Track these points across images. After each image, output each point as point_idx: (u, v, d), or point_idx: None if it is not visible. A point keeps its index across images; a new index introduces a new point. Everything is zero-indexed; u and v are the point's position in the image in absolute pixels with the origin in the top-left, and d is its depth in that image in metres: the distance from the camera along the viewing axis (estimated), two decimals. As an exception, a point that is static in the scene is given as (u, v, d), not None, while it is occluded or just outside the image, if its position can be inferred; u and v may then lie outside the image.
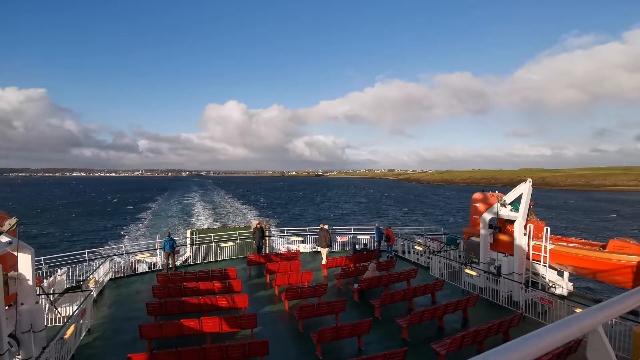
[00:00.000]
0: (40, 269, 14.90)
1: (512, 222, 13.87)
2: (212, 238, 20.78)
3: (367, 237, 22.55)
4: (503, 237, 14.28)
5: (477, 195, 16.02)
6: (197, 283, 13.74)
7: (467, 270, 14.49)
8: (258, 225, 20.16)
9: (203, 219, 59.32)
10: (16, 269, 7.65)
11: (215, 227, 39.31)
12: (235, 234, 21.72)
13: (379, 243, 20.67)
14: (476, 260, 14.92)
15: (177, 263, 18.64)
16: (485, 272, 14.01)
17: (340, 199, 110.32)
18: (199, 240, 20.96)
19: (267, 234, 20.97)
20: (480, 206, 15.47)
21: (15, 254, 7.62)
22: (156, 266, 18.35)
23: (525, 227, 13.25)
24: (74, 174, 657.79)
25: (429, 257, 18.27)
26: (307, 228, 23.45)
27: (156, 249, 19.29)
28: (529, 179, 13.70)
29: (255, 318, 10.48)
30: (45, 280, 13.87)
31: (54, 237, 46.59)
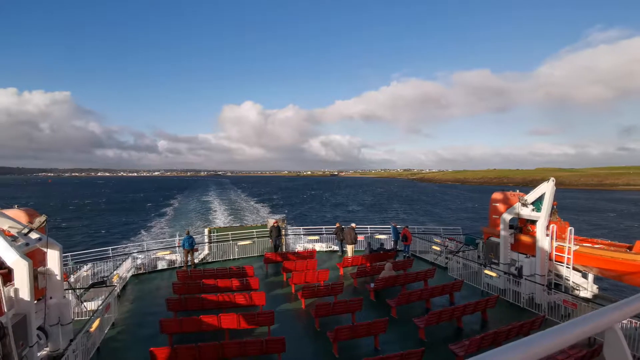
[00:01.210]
0: (67, 264, 15.54)
1: (533, 222, 13.50)
2: (230, 236, 21.13)
3: (384, 236, 22.43)
4: (524, 238, 13.92)
5: (497, 195, 15.66)
6: (216, 280, 14.00)
7: (487, 271, 14.20)
8: (275, 224, 20.35)
9: (221, 218, 60.35)
10: (45, 265, 8.01)
11: (232, 225, 39.92)
12: (253, 232, 22.00)
13: (396, 242, 20.52)
14: (496, 261, 14.60)
15: (196, 260, 19.04)
16: (505, 273, 13.70)
17: (347, 199, 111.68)
18: (216, 238, 21.35)
19: (283, 233, 21.15)
20: (500, 206, 15.12)
21: (45, 250, 7.97)
22: (176, 263, 18.80)
23: (547, 228, 12.88)
24: (99, 174, 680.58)
25: (446, 257, 18.01)
26: (323, 227, 23.52)
27: (176, 247, 19.77)
28: (552, 178, 13.30)
29: (272, 315, 10.59)
30: (72, 276, 14.44)
31: (81, 234, 48.40)
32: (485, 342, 8.84)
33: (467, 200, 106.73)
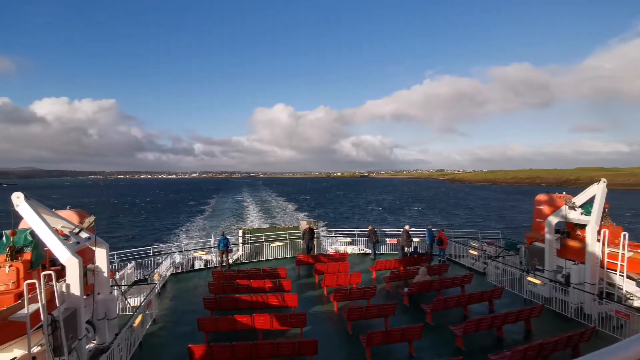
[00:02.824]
0: (113, 262, 16.51)
1: (582, 226, 12.58)
2: (263, 237, 21.51)
3: (417, 239, 21.85)
4: (573, 243, 13.00)
5: (542, 197, 14.77)
6: (249, 281, 14.28)
7: (530, 278, 13.39)
8: (308, 228, 20.48)
9: (254, 219, 61.87)
10: (94, 262, 8.53)
11: (265, 226, 40.66)
12: (285, 234, 22.26)
13: (431, 246, 19.93)
14: (540, 268, 13.74)
15: (230, 261, 19.54)
16: (551, 280, 12.85)
17: (367, 200, 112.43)
18: (250, 240, 21.81)
19: (316, 235, 21.19)
20: (545, 209, 14.24)
21: (93, 248, 8.50)
22: (211, 263, 19.40)
23: (598, 233, 11.93)
24: (141, 176, 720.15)
25: (485, 263, 17.21)
26: (355, 229, 23.32)
27: (211, 247, 20.42)
28: (603, 179, 12.30)
29: (305, 317, 10.61)
30: (117, 273, 15.31)
31: (125, 233, 51.43)
32: (530, 353, 8.30)
33: (493, 200, 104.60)
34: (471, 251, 18.97)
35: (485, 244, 19.75)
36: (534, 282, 13.24)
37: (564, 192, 14.89)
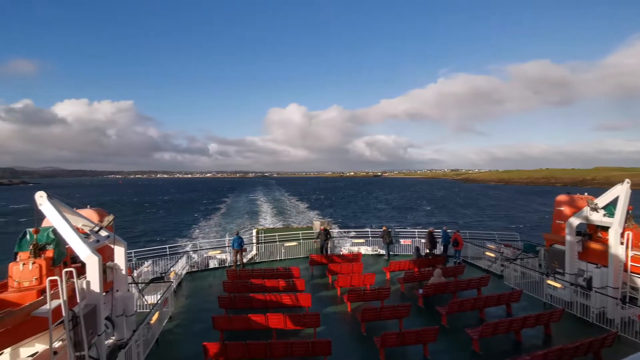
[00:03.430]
0: (131, 260, 16.88)
1: (605, 228, 12.15)
2: (277, 237, 21.61)
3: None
4: (595, 246, 12.58)
5: (562, 198, 14.34)
6: (263, 280, 14.37)
7: (550, 282, 13.02)
8: (322, 229, 20.51)
9: (267, 216, 62.43)
10: (112, 260, 8.73)
11: (278, 226, 40.89)
12: (298, 234, 22.31)
13: (446, 248, 19.62)
14: (561, 271, 13.35)
15: (244, 260, 19.71)
16: (572, 284, 12.47)
17: (377, 199, 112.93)
18: (264, 239, 21.96)
19: (331, 236, 21.17)
20: (565, 210, 13.83)
21: (112, 246, 8.70)
22: (225, 262, 19.61)
23: (622, 235, 11.50)
24: (158, 176, 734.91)
25: (502, 265, 16.83)
26: (369, 230, 23.18)
27: (226, 247, 20.65)
28: (627, 180, 11.84)
29: (318, 317, 10.60)
30: (135, 271, 15.65)
31: (143, 231, 52.60)
32: (549, 358, 8.07)
33: (502, 200, 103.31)
34: (488, 253, 18.58)
35: (503, 245, 19.33)
36: (554, 286, 12.87)
37: (586, 193, 14.46)
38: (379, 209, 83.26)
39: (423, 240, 21.21)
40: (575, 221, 12.73)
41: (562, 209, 14.13)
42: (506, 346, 10.15)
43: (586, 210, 12.46)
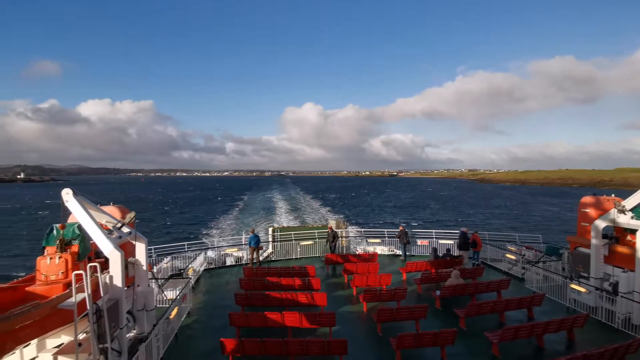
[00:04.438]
0: (151, 256, 17.31)
1: (633, 231, 11.65)
2: (293, 236, 21.71)
3: (450, 241, 21.18)
4: (622, 249, 12.07)
5: (587, 199, 13.82)
6: (279, 278, 14.47)
7: (574, 286, 12.58)
8: (330, 229, 20.54)
9: (282, 214, 62.90)
10: (134, 256, 8.97)
11: (294, 225, 41.08)
12: (314, 232, 22.35)
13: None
14: (585, 275, 12.88)
15: (261, 258, 19.89)
16: (597, 289, 12.01)
17: (387, 199, 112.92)
18: (280, 238, 22.11)
19: (339, 236, 21.10)
20: (591, 212, 13.32)
21: (134, 242, 8.94)
22: (242, 260, 19.85)
23: (651, 239, 11.00)
24: (177, 174, 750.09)
25: (523, 268, 16.37)
26: (385, 230, 22.98)
27: (242, 244, 20.90)
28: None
29: (334, 317, 10.59)
30: (155, 267, 16.04)
31: (163, 228, 53.90)
32: None
33: (511, 200, 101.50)
34: (509, 255, 18.12)
35: (524, 248, 18.81)
36: (578, 290, 12.44)
37: (613, 195, 13.89)
38: (387, 208, 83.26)
39: (441, 241, 20.89)
40: (601, 224, 12.25)
41: (587, 210, 13.62)
42: (527, 351, 9.87)
43: (613, 213, 11.97)
